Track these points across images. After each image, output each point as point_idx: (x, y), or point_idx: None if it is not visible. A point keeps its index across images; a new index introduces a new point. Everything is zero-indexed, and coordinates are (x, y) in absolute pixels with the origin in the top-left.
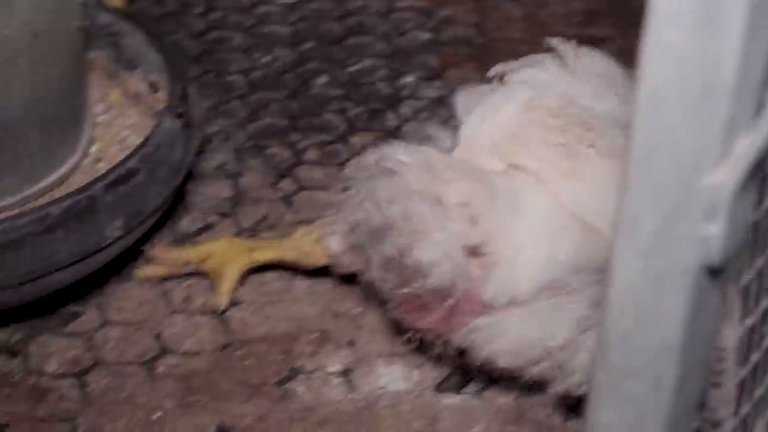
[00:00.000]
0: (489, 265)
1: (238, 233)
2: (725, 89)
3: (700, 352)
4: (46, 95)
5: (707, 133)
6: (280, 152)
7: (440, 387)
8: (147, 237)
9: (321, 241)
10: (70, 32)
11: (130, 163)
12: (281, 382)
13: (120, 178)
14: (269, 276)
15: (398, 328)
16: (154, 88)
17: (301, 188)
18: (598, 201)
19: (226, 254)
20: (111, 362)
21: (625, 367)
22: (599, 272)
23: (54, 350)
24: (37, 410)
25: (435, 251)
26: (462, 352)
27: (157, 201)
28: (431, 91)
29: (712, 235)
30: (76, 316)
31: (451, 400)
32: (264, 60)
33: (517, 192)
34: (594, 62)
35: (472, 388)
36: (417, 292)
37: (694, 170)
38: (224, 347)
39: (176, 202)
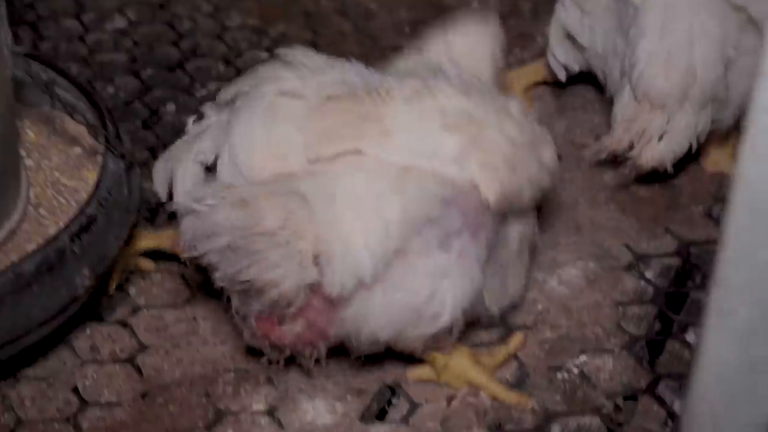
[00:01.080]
0: (327, 262)
1: (130, 272)
2: None
3: None
4: None
5: None
6: (147, 186)
7: (364, 416)
8: None
9: None
10: (5, 84)
11: (89, 210)
12: (210, 426)
13: (83, 226)
14: (170, 318)
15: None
16: (94, 131)
17: None
18: (412, 141)
19: None
20: (33, 421)
21: None
22: (431, 221)
23: None
24: None
25: (269, 272)
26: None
27: (117, 244)
28: None
29: None
30: None
31: (380, 428)
32: (108, 91)
33: (327, 180)
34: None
35: (396, 413)
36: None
37: None
38: (143, 395)
39: None
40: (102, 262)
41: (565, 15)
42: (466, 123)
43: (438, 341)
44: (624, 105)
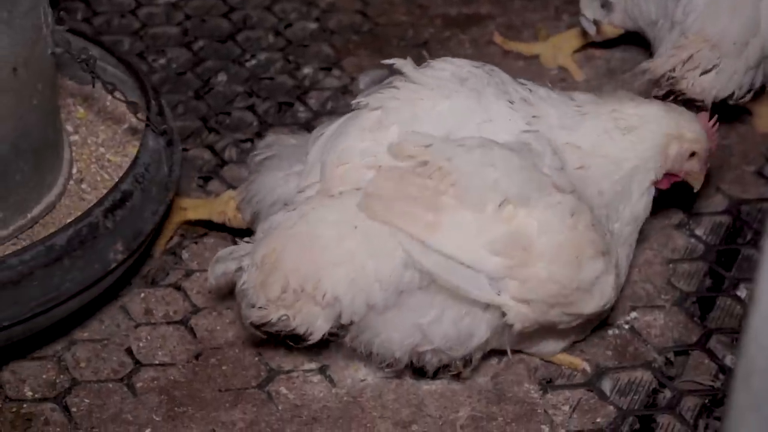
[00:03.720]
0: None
1: (182, 236)
2: None
3: None
4: (31, 125)
5: None
6: (200, 154)
7: (415, 373)
8: None
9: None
10: (45, 60)
11: (124, 186)
12: (262, 385)
13: (117, 202)
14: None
15: None
16: (134, 108)
17: (231, 188)
18: (465, 248)
19: None
20: (88, 381)
21: None
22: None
23: (26, 375)
24: None
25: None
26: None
27: (153, 220)
28: (332, 81)
29: None
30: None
31: (431, 385)
32: (160, 62)
33: (344, 214)
34: (438, 69)
35: (447, 370)
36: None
37: None
38: (197, 356)
39: None
40: (137, 238)
41: None
42: (513, 249)
43: (458, 367)
44: (671, 39)
